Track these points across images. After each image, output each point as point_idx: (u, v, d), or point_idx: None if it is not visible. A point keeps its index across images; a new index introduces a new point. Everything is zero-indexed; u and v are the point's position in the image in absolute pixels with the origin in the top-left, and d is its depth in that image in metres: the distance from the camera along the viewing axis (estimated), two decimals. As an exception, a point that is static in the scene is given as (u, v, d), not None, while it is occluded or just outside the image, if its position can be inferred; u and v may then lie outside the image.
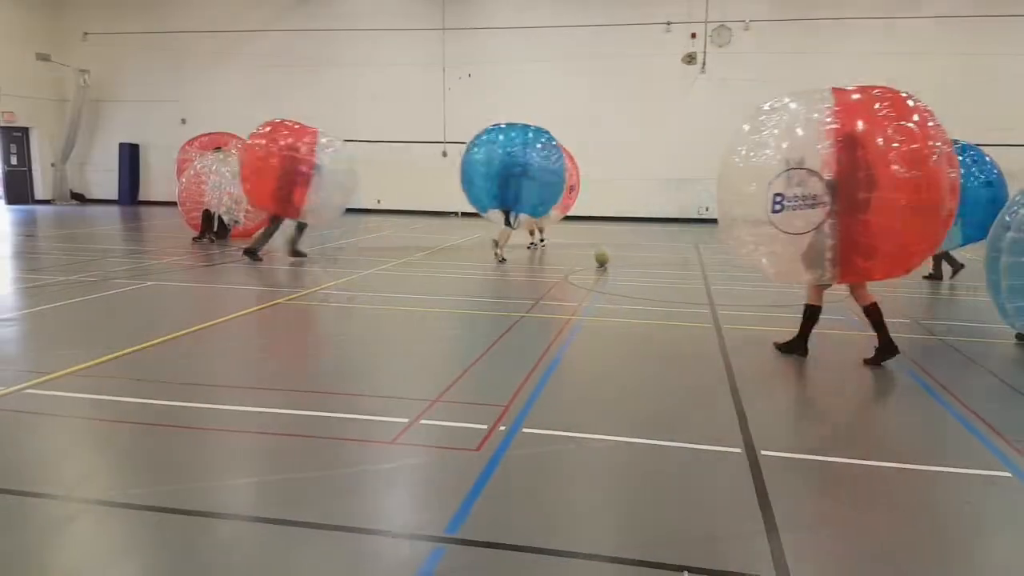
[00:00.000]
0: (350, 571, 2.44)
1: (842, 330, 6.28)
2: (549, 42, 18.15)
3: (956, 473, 3.25)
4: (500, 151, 10.04)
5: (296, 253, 9.84)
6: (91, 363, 4.64)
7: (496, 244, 10.30)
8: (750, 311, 6.86)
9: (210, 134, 14.82)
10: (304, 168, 9.41)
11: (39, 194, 20.59)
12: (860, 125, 4.51)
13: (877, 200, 4.44)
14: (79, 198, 21.23)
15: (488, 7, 18.72)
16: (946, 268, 8.92)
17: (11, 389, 4.12)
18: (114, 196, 21.02)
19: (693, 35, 17.66)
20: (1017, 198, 5.43)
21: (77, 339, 5.53)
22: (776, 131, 4.73)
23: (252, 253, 9.64)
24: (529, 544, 2.57)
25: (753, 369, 4.97)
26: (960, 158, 8.29)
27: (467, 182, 10.40)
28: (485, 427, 3.61)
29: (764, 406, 4.20)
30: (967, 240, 8.37)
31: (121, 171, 20.83)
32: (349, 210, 18.88)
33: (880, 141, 4.44)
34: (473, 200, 10.50)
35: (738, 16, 17.45)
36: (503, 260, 10.10)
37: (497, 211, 10.28)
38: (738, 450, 3.42)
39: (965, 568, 2.55)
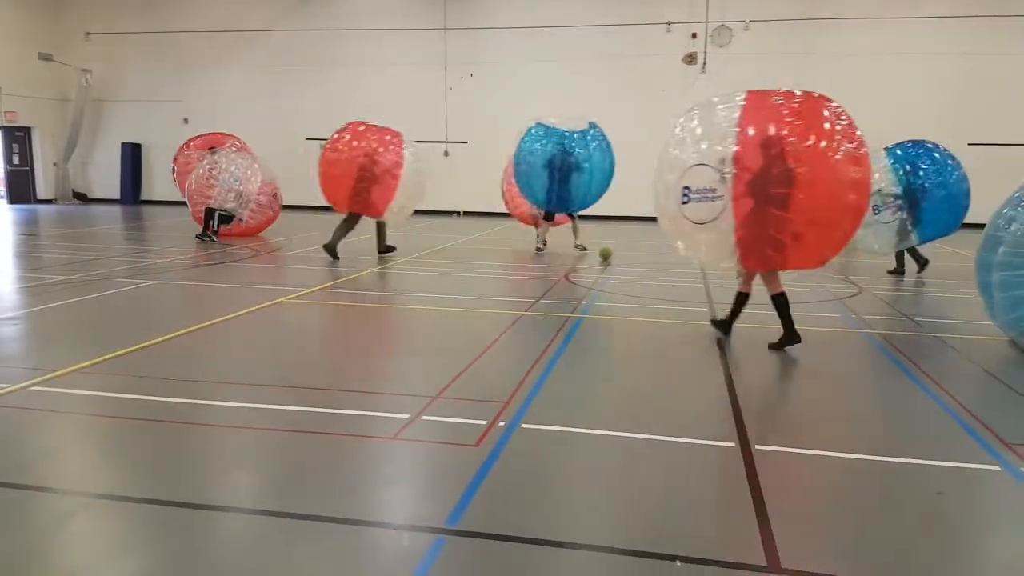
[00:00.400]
0: (353, 562, 2.49)
1: (837, 327, 6.34)
2: (550, 42, 18.20)
3: (948, 467, 3.30)
4: (558, 145, 10.46)
5: (386, 249, 10.15)
6: (95, 361, 4.70)
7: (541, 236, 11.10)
8: (746, 309, 6.90)
9: (204, 135, 14.84)
10: (387, 171, 9.70)
11: (41, 194, 20.67)
12: (767, 126, 4.83)
13: (783, 196, 4.74)
14: (81, 198, 21.30)
15: (489, 7, 18.77)
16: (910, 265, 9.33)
17: (16, 386, 4.18)
18: (116, 196, 21.10)
19: (694, 35, 17.70)
20: (1006, 212, 5.35)
21: (80, 337, 5.59)
22: (699, 130, 5.11)
23: (331, 249, 9.82)
24: (527, 535, 2.63)
25: (748, 365, 5.03)
26: (918, 161, 8.58)
27: (523, 175, 10.77)
28: (485, 423, 3.67)
29: (759, 402, 4.26)
30: (924, 239, 8.71)
31: (123, 171, 20.91)
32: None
33: (784, 141, 4.75)
34: (528, 194, 10.97)
35: (738, 16, 17.49)
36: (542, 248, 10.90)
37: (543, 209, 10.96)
38: (732, 444, 3.47)
39: (955, 559, 2.60)
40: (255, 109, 19.64)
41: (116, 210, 19.02)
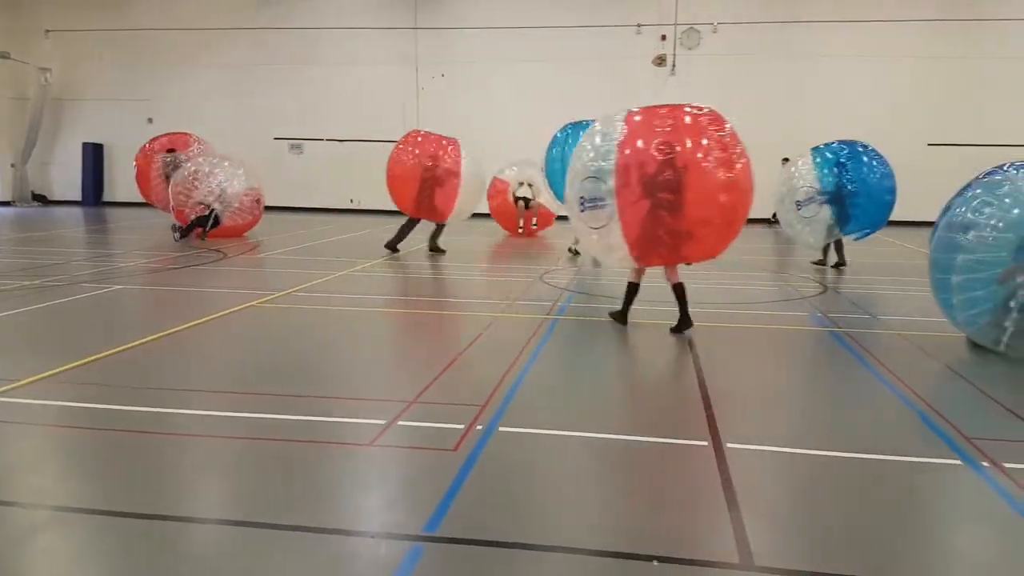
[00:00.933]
0: (329, 572, 2.47)
1: (805, 326, 6.48)
2: (521, 43, 18.24)
3: (912, 462, 3.40)
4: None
5: (435, 249, 10.83)
6: (59, 369, 4.58)
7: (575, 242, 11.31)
8: (717, 308, 7.02)
9: (165, 135, 14.57)
10: (449, 173, 10.45)
11: (-2, 195, 20.08)
12: (650, 139, 5.43)
13: (668, 201, 5.39)
14: (41, 199, 20.74)
15: (460, 7, 18.75)
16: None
17: (-22, 396, 4.06)
18: (78, 197, 20.58)
19: (663, 37, 17.91)
20: (960, 211, 5.37)
21: (43, 345, 5.45)
22: (598, 140, 5.71)
23: (392, 247, 10.66)
24: (505, 539, 2.64)
25: (720, 364, 5.12)
26: (844, 160, 9.22)
27: (550, 177, 11.11)
28: (462, 427, 3.67)
29: (730, 400, 4.32)
30: (848, 234, 9.45)
31: (85, 171, 20.40)
32: (322, 210, 18.86)
33: (664, 152, 5.38)
34: (560, 197, 11.40)
35: (707, 19, 17.74)
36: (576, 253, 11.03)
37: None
38: (705, 443, 3.53)
39: (922, 553, 2.68)
40: (222, 108, 19.33)
41: (78, 212, 18.56)
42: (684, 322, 5.88)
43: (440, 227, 11.02)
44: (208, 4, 19.56)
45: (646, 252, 5.66)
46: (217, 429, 3.76)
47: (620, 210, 5.46)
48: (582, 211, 5.74)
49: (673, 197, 5.37)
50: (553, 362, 5.16)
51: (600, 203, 5.57)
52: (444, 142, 10.70)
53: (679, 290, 5.95)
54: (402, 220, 11.12)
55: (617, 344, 5.79)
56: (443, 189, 10.47)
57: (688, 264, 5.96)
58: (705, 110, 5.64)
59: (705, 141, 5.44)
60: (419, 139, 10.80)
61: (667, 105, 5.68)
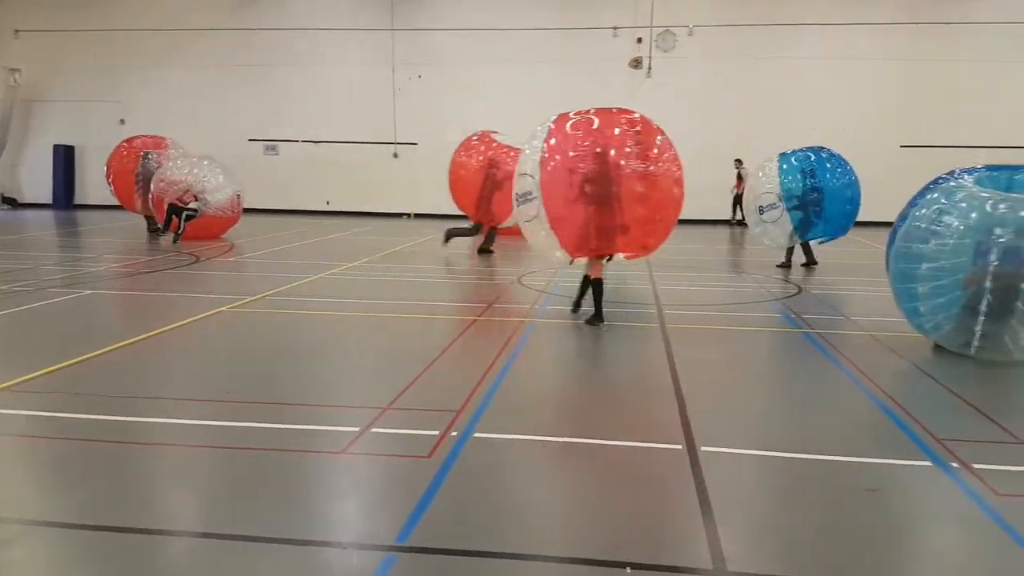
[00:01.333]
0: (301, 583, 2.45)
1: (778, 327, 6.54)
2: (498, 45, 18.23)
3: (884, 463, 3.44)
4: None
5: (485, 250, 11.18)
6: (27, 377, 4.48)
7: None
8: (692, 310, 7.07)
9: (139, 137, 14.34)
10: (507, 181, 10.42)
11: (-34, 198, 19.61)
12: (575, 140, 5.86)
13: (592, 196, 5.74)
14: (10, 202, 20.31)
15: (436, 9, 18.69)
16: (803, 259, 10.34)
17: (-60, 408, 3.95)
18: (48, 200, 20.16)
19: (639, 40, 18.00)
20: (923, 213, 5.34)
21: (11, 353, 5.33)
22: (533, 140, 6.13)
23: (448, 238, 11.20)
24: (479, 549, 2.63)
25: (694, 367, 5.14)
26: (809, 167, 9.47)
27: None
28: (437, 433, 3.65)
29: (705, 404, 4.35)
30: (811, 238, 9.78)
31: (55, 174, 20.00)
32: (297, 212, 18.67)
33: (581, 152, 5.82)
34: None
35: (682, 21, 17.86)
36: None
37: None
38: (679, 447, 3.55)
39: (893, 556, 2.71)
40: (196, 110, 19.06)
41: (48, 215, 18.19)
42: (597, 316, 6.19)
43: (491, 232, 11.28)
44: (181, 5, 19.27)
45: (579, 245, 6.01)
46: (188, 438, 3.70)
47: (545, 204, 5.83)
48: (518, 206, 6.15)
49: (597, 192, 5.73)
50: (529, 366, 5.16)
51: (529, 197, 5.96)
52: (506, 148, 10.98)
53: (586, 282, 6.30)
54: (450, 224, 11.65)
55: (593, 347, 5.80)
56: (502, 192, 10.60)
57: (604, 259, 6.25)
58: (636, 115, 6.05)
59: (629, 144, 5.81)
60: (480, 144, 11.15)
61: (597, 108, 6.06)
